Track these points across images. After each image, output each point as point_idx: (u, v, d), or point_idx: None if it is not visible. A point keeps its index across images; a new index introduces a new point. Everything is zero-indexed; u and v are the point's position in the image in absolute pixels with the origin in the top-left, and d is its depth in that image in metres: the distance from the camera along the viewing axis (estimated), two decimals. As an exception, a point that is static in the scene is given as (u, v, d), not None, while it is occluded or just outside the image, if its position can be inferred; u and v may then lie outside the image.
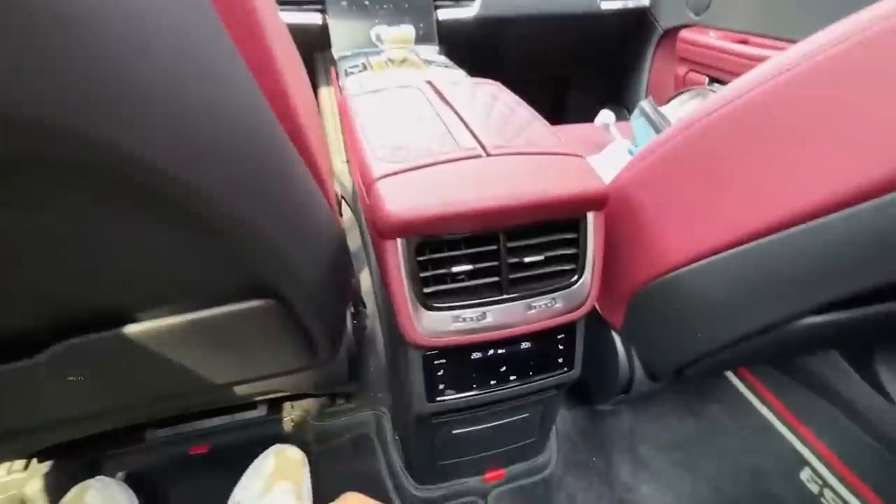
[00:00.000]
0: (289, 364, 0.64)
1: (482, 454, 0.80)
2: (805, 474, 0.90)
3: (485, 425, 0.74)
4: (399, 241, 0.52)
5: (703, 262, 0.49)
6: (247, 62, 0.35)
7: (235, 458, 0.89)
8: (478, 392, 0.63)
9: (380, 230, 0.51)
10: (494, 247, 0.54)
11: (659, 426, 0.99)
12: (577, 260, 0.58)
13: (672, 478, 0.90)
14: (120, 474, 0.90)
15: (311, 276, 0.43)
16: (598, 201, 0.55)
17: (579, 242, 0.57)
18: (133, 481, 0.88)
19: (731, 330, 0.49)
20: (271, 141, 0.37)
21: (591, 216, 0.57)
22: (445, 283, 0.55)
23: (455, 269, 0.54)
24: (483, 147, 0.58)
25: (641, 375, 0.68)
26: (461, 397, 0.62)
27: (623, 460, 0.92)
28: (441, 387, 0.61)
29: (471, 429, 0.73)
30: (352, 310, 0.97)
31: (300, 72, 0.58)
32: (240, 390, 0.71)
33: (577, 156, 0.60)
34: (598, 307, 0.72)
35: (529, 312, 0.57)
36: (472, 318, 0.56)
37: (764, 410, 1.01)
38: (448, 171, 0.54)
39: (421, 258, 0.53)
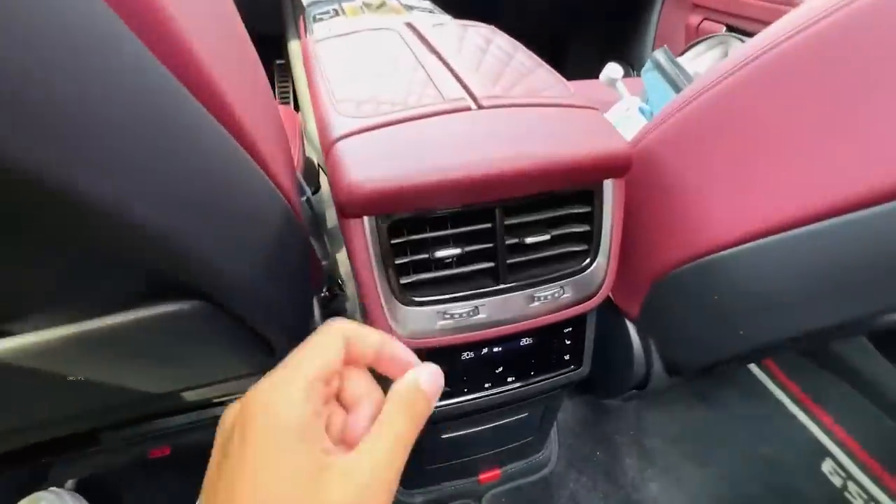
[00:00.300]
0: (241, 368, 0.54)
1: (475, 456, 0.72)
2: (827, 466, 0.83)
3: (478, 428, 0.64)
4: (366, 220, 0.40)
5: (753, 244, 0.38)
6: (159, 55, 0.26)
7: (201, 461, 0.79)
8: (470, 397, 0.53)
9: (341, 206, 0.40)
10: (489, 225, 0.43)
11: (667, 415, 0.91)
12: (591, 239, 0.47)
13: (682, 473, 0.82)
14: (69, 483, 0.80)
15: (240, 267, 0.32)
16: (619, 165, 0.43)
17: (594, 218, 0.46)
18: (85, 490, 0.79)
19: (787, 328, 0.39)
20: (156, 103, 0.25)
21: (608, 185, 0.46)
22: (429, 271, 0.44)
23: (440, 253, 0.43)
24: (473, 98, 0.46)
25: (659, 370, 0.59)
26: (450, 404, 0.52)
27: (629, 454, 0.84)
28: (425, 393, 0.51)
29: (462, 433, 0.64)
30: (326, 294, 0.86)
31: (231, 38, 0.45)
32: (189, 396, 0.60)
33: (590, 108, 0.48)
34: (610, 294, 0.62)
35: (532, 305, 0.46)
36: (462, 314, 0.45)
37: (781, 396, 0.93)
38: (428, 128, 0.42)
39: (396, 240, 0.42)
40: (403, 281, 0.43)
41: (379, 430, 0.21)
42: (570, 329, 0.53)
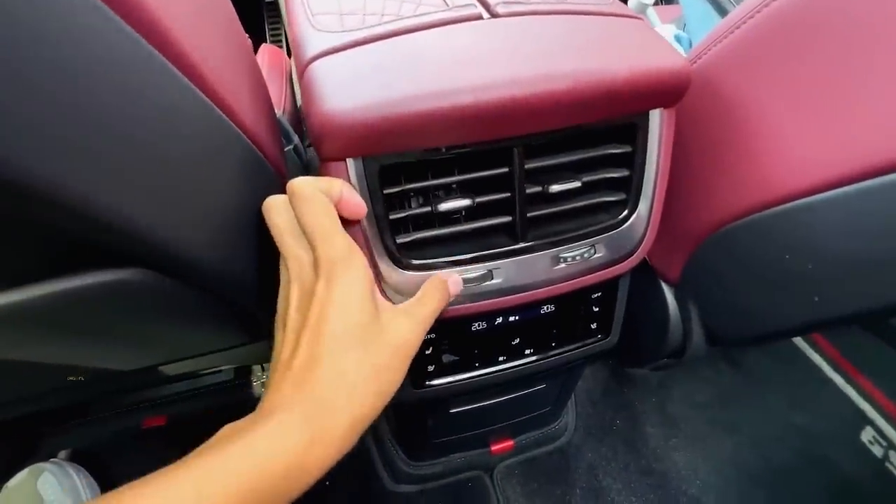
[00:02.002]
0: (221, 342, 0.47)
1: (486, 429, 0.66)
2: (866, 435, 0.77)
3: (490, 401, 0.58)
4: (351, 162, 0.32)
5: (850, 188, 0.30)
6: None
7: (198, 432, 0.75)
8: (482, 372, 0.46)
9: (316, 144, 0.31)
10: (505, 169, 0.34)
11: (693, 380, 0.84)
12: (630, 187, 0.38)
13: (708, 441, 0.77)
14: (62, 453, 0.77)
15: (177, 224, 0.24)
16: (675, 87, 0.34)
17: (635, 160, 0.37)
18: (81, 462, 0.75)
19: (883, 295, 0.31)
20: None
21: (655, 116, 0.36)
22: (431, 227, 0.36)
23: (445, 205, 0.34)
24: (485, 4, 0.36)
25: (698, 338, 0.51)
26: (459, 380, 0.46)
27: (652, 422, 0.79)
28: (431, 369, 0.44)
29: (472, 406, 0.58)
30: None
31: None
32: (170, 369, 0.55)
33: (634, 17, 0.38)
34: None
35: (557, 268, 0.38)
36: (472, 280, 0.37)
37: (816, 358, 0.86)
38: (427, 42, 0.33)
39: (390, 190, 0.33)
40: (400, 240, 0.35)
41: (418, 299, 0.32)
42: (599, 294, 0.45)
